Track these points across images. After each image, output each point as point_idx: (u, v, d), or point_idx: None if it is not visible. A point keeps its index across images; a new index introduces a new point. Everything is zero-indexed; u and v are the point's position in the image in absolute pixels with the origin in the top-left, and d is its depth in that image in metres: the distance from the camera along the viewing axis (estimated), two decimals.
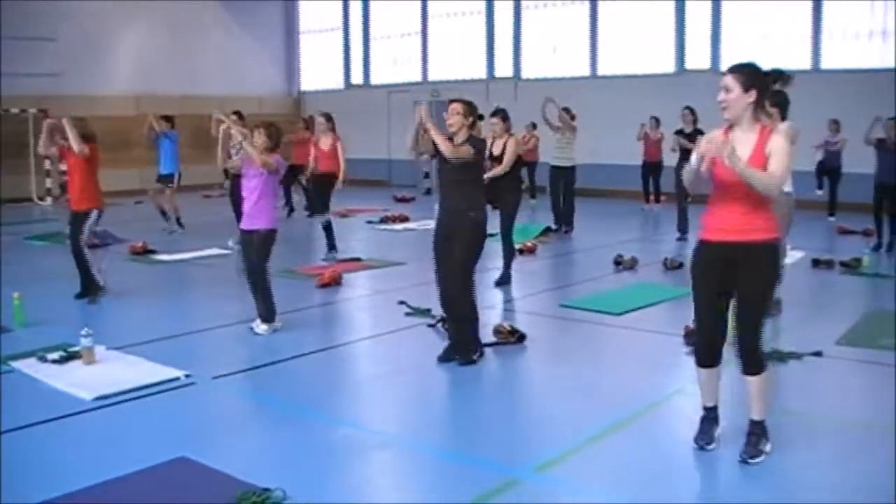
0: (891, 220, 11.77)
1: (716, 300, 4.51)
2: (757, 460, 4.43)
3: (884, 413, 5.26)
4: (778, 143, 4.33)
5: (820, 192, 15.51)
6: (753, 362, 4.48)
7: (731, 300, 4.52)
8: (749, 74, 4.35)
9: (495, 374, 6.27)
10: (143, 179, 16.94)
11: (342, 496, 4.06)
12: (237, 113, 12.49)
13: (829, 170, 15.45)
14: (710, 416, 4.70)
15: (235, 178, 9.94)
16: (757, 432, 4.52)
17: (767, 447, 4.50)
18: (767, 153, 4.30)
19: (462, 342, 6.38)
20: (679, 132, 13.03)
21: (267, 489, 3.94)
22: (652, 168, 17.24)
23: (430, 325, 7.27)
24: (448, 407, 5.72)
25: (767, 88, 4.42)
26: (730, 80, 4.34)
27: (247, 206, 7.21)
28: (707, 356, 4.60)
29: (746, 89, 4.31)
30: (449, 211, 6.42)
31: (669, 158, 14.37)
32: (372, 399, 5.79)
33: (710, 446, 4.61)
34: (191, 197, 15.13)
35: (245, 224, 7.21)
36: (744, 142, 4.34)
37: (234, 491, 3.94)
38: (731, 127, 4.42)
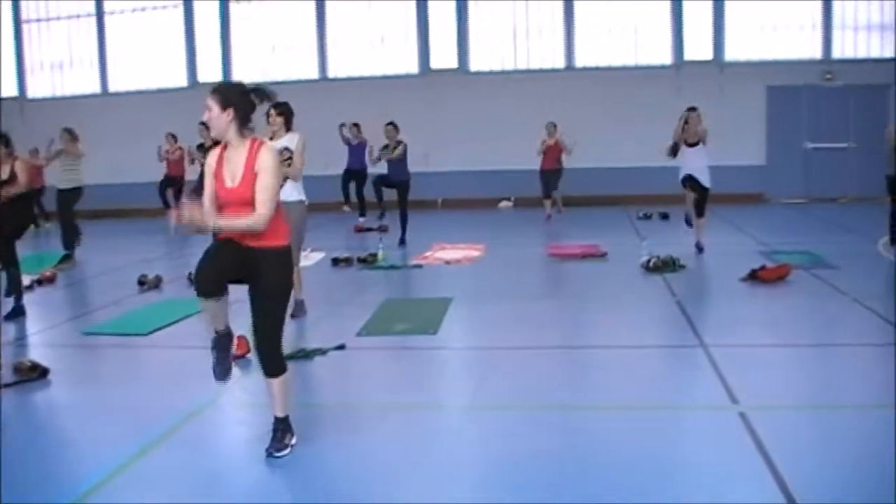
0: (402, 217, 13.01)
1: (232, 254, 4.50)
2: (283, 453, 4.66)
3: (401, 392, 5.87)
4: (266, 163, 4.51)
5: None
6: (275, 366, 4.68)
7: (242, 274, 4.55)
8: (225, 94, 4.55)
9: (22, 414, 5.87)
10: None
11: None
12: None
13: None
14: (221, 341, 4.76)
15: None
16: (282, 428, 4.74)
17: (293, 440, 4.75)
18: (256, 171, 4.50)
19: None
20: (200, 147, 13.60)
21: None
22: (172, 182, 17.25)
23: None
24: None
25: (246, 106, 4.59)
26: (210, 101, 4.53)
27: None
28: (214, 284, 4.47)
29: (224, 108, 4.52)
30: None
31: (192, 172, 14.83)
32: None
33: (229, 377, 4.83)
34: None
35: None
36: (236, 159, 4.55)
37: None
38: (226, 145, 4.61)
